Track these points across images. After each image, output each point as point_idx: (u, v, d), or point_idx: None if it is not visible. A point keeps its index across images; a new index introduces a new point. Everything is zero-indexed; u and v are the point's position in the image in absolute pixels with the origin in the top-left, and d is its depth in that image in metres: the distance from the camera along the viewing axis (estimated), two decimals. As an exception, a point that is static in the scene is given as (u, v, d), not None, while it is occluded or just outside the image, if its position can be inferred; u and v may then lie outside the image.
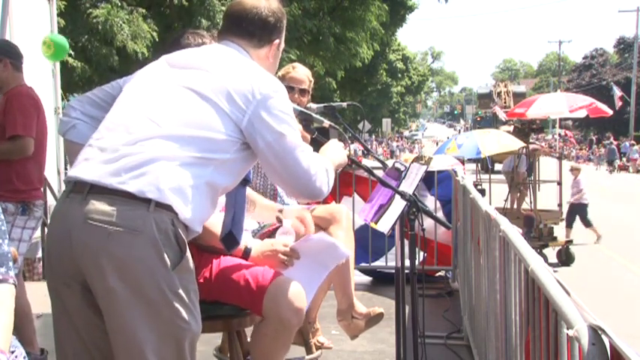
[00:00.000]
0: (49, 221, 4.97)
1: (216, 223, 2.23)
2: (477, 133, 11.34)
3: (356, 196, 5.41)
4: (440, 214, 5.40)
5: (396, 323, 2.73)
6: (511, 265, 2.26)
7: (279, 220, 2.65)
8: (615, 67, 47.93)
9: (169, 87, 1.87)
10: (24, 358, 1.79)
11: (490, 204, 3.43)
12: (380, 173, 2.63)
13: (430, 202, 5.47)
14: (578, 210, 10.01)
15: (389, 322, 3.71)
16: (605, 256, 9.65)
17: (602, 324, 1.23)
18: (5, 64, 3.46)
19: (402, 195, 2.39)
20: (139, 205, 1.69)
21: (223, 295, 2.29)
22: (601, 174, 30.79)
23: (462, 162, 6.47)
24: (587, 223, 10.18)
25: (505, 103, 27.92)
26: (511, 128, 12.08)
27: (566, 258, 9.03)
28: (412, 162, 2.59)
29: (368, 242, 5.34)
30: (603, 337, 1.22)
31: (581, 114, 10.23)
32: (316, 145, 2.27)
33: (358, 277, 5.24)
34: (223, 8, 11.32)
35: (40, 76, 5.66)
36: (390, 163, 2.69)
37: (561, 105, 10.06)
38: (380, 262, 5.53)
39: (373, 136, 52.12)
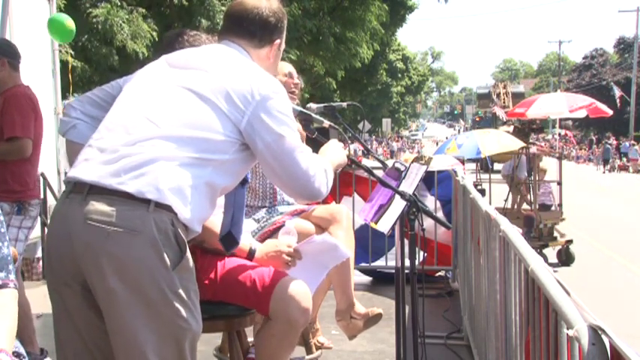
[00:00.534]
0: (48, 221, 5.00)
1: (219, 224, 2.23)
2: (477, 133, 11.33)
3: (356, 196, 5.41)
4: (440, 214, 5.40)
5: (396, 323, 2.73)
6: (511, 265, 2.26)
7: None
8: (615, 67, 47.94)
9: (169, 87, 1.87)
10: None
11: (490, 204, 3.43)
12: (380, 173, 2.63)
13: (430, 202, 5.47)
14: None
15: (389, 322, 3.71)
16: (605, 256, 9.65)
17: (602, 324, 1.23)
18: (3, 64, 3.45)
19: (402, 195, 2.39)
20: (139, 206, 1.69)
21: (229, 295, 2.29)
22: (601, 174, 30.81)
23: (462, 162, 6.47)
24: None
25: (504, 103, 27.92)
26: (511, 128, 12.09)
27: (566, 258, 9.03)
28: (412, 162, 2.59)
29: (368, 242, 5.34)
30: (603, 337, 1.22)
31: (581, 114, 10.22)
32: (316, 145, 2.27)
33: (358, 277, 5.25)
34: (223, 8, 11.32)
35: (40, 76, 5.66)
36: (390, 163, 2.69)
37: (561, 105, 10.05)
38: (380, 262, 5.53)
39: (373, 137, 52.12)
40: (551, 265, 6.57)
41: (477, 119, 42.23)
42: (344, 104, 3.07)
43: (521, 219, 9.02)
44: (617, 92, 33.19)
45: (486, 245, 2.93)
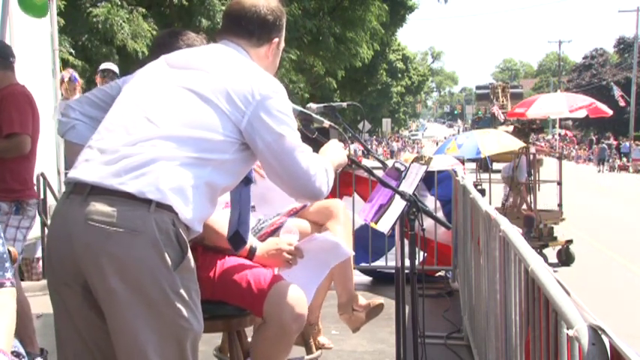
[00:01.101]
0: (49, 222, 4.99)
1: (221, 223, 2.23)
2: (476, 133, 11.32)
3: (356, 196, 5.41)
4: (440, 214, 5.39)
5: (396, 323, 2.73)
6: (511, 265, 2.26)
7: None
8: (615, 67, 47.95)
9: (169, 87, 1.87)
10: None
11: (490, 204, 3.43)
12: (380, 173, 2.63)
13: (430, 202, 5.46)
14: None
15: (389, 322, 3.71)
16: (605, 256, 9.66)
17: (602, 324, 1.23)
18: None
19: (402, 195, 2.39)
20: (139, 206, 1.69)
21: (226, 295, 2.30)
22: (601, 174, 30.81)
23: (462, 162, 6.47)
24: None
25: (503, 102, 27.96)
26: (510, 128, 12.08)
27: (566, 258, 9.03)
28: (412, 162, 2.59)
29: (368, 242, 5.34)
30: (603, 337, 1.22)
31: (581, 114, 10.22)
32: (316, 145, 2.27)
33: (358, 277, 5.24)
34: (223, 8, 11.31)
35: (40, 75, 5.65)
36: (390, 163, 2.69)
37: (561, 105, 10.05)
38: (380, 262, 5.53)
39: (373, 137, 52.12)
40: (551, 265, 6.57)
41: (477, 119, 42.21)
42: (344, 104, 3.06)
43: (521, 219, 9.02)
44: (617, 92, 33.18)
45: (486, 245, 2.93)
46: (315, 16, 15.52)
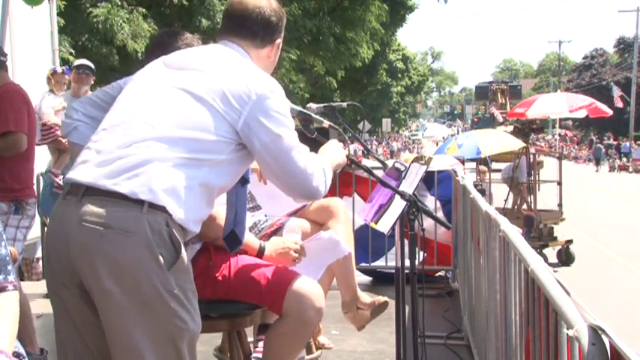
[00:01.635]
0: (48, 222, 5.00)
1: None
2: (477, 133, 11.31)
3: (356, 196, 5.41)
4: (440, 214, 5.40)
5: (396, 323, 2.73)
6: (511, 265, 2.26)
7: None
8: (615, 67, 47.93)
9: (165, 88, 1.87)
10: None
11: (490, 204, 3.43)
12: (380, 173, 2.63)
13: (430, 202, 5.47)
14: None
15: (389, 322, 3.71)
16: (605, 256, 9.66)
17: (602, 324, 1.23)
18: None
19: (402, 195, 2.40)
20: (132, 207, 1.69)
21: (242, 293, 2.31)
22: (601, 174, 30.82)
23: (462, 162, 6.46)
24: None
25: (502, 102, 27.96)
26: (510, 128, 12.06)
27: (566, 258, 9.03)
28: (412, 162, 2.59)
29: (368, 242, 5.34)
30: (603, 337, 1.22)
31: (581, 114, 10.21)
32: (316, 145, 2.27)
33: (358, 277, 5.19)
34: (223, 8, 11.31)
35: (40, 75, 5.65)
36: (390, 163, 2.69)
37: (561, 105, 10.04)
38: (380, 262, 5.53)
39: (373, 137, 52.12)
40: (551, 265, 6.57)
41: (476, 119, 42.22)
42: (344, 104, 3.06)
43: (521, 219, 9.02)
44: (617, 92, 33.15)
45: (486, 245, 2.93)
46: (315, 16, 15.50)
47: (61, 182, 4.53)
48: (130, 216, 1.68)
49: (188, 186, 1.75)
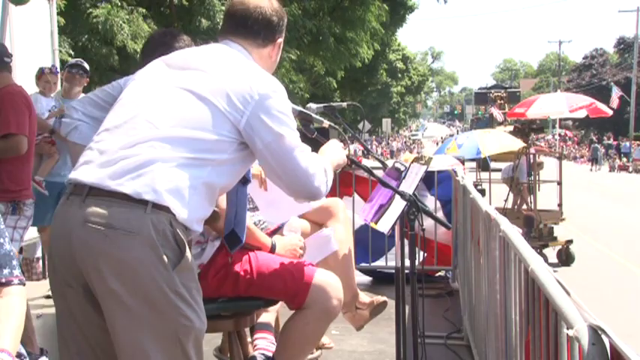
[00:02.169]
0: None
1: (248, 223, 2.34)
2: (477, 133, 11.31)
3: (356, 196, 5.41)
4: (440, 214, 5.40)
5: (396, 323, 2.74)
6: (511, 265, 2.26)
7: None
8: (615, 67, 47.90)
9: (168, 88, 1.87)
10: None
11: (490, 204, 3.43)
12: (380, 173, 2.63)
13: (430, 202, 5.47)
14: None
15: (389, 322, 3.71)
16: (605, 256, 9.65)
17: (602, 324, 1.23)
18: None
19: (402, 195, 2.40)
20: (136, 207, 1.69)
21: (265, 288, 2.35)
22: (601, 174, 30.82)
23: (462, 162, 6.47)
24: None
25: (502, 102, 28.03)
26: (510, 128, 12.05)
27: (566, 258, 9.03)
28: (412, 162, 2.59)
29: (368, 242, 5.34)
30: (603, 337, 1.22)
31: (581, 114, 10.22)
32: (316, 145, 2.28)
33: (358, 277, 5.23)
34: (223, 8, 11.31)
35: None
36: (390, 163, 2.69)
37: (561, 105, 10.04)
38: (380, 262, 5.53)
39: (373, 137, 52.11)
40: (551, 265, 6.57)
41: (475, 119, 42.24)
42: (344, 104, 3.06)
43: (521, 219, 9.01)
44: (616, 92, 33.14)
45: (486, 245, 2.93)
46: (315, 16, 15.49)
47: (45, 191, 4.48)
48: (133, 216, 1.69)
49: (191, 186, 1.75)
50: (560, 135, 24.45)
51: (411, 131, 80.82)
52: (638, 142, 35.88)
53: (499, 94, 28.16)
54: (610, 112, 10.40)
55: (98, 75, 11.26)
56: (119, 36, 10.33)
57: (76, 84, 5.06)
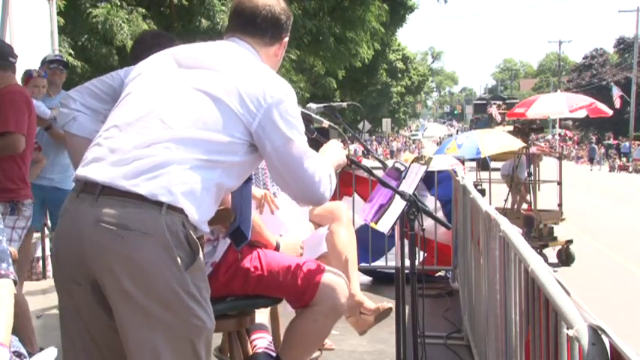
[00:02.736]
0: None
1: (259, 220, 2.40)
2: (477, 133, 11.30)
3: (356, 196, 5.41)
4: (440, 214, 5.40)
5: (396, 323, 2.73)
6: (511, 265, 2.26)
7: None
8: (615, 67, 47.88)
9: (181, 87, 1.85)
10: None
11: (490, 204, 3.43)
12: (380, 173, 2.63)
13: (430, 202, 5.47)
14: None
15: (389, 322, 3.70)
16: (605, 256, 9.65)
17: (602, 324, 1.23)
18: None
19: (402, 195, 2.40)
20: (151, 208, 1.69)
21: (274, 286, 2.35)
22: (600, 174, 30.82)
23: (462, 162, 6.47)
24: None
25: (501, 104, 28.08)
26: (509, 128, 12.05)
27: (566, 258, 9.02)
28: (412, 162, 2.59)
29: (368, 242, 5.34)
30: (603, 337, 1.22)
31: (581, 114, 10.21)
32: (316, 145, 2.28)
33: (358, 278, 5.25)
34: (223, 8, 11.31)
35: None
36: (390, 163, 2.69)
37: (561, 105, 10.03)
38: (380, 262, 5.53)
39: (373, 137, 52.09)
40: (551, 265, 6.57)
41: (475, 119, 42.25)
42: (344, 104, 3.06)
43: (521, 219, 9.01)
44: (617, 92, 33.13)
45: (486, 245, 2.93)
46: (315, 16, 15.48)
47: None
48: (148, 217, 1.68)
49: (204, 187, 1.76)
50: (560, 135, 24.45)
51: (410, 131, 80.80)
52: (638, 142, 35.90)
53: (497, 103, 28.32)
54: (610, 112, 10.39)
55: (98, 75, 11.26)
56: (119, 36, 10.33)
57: (57, 80, 4.83)
